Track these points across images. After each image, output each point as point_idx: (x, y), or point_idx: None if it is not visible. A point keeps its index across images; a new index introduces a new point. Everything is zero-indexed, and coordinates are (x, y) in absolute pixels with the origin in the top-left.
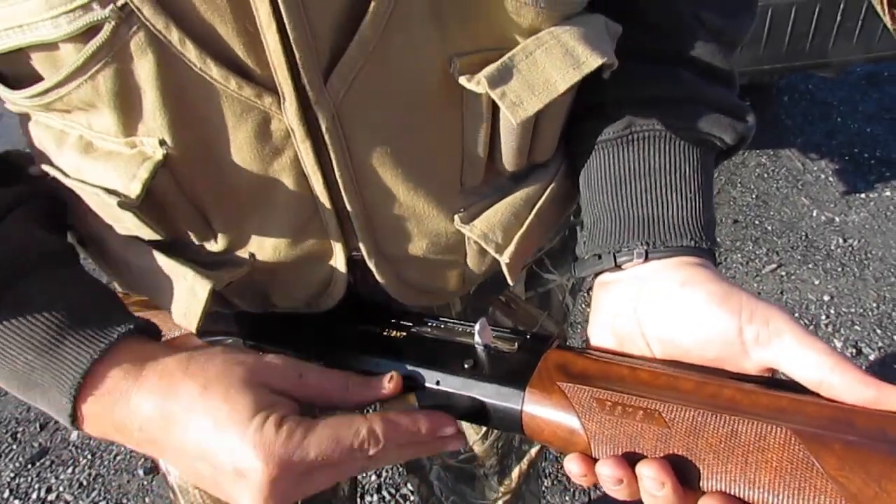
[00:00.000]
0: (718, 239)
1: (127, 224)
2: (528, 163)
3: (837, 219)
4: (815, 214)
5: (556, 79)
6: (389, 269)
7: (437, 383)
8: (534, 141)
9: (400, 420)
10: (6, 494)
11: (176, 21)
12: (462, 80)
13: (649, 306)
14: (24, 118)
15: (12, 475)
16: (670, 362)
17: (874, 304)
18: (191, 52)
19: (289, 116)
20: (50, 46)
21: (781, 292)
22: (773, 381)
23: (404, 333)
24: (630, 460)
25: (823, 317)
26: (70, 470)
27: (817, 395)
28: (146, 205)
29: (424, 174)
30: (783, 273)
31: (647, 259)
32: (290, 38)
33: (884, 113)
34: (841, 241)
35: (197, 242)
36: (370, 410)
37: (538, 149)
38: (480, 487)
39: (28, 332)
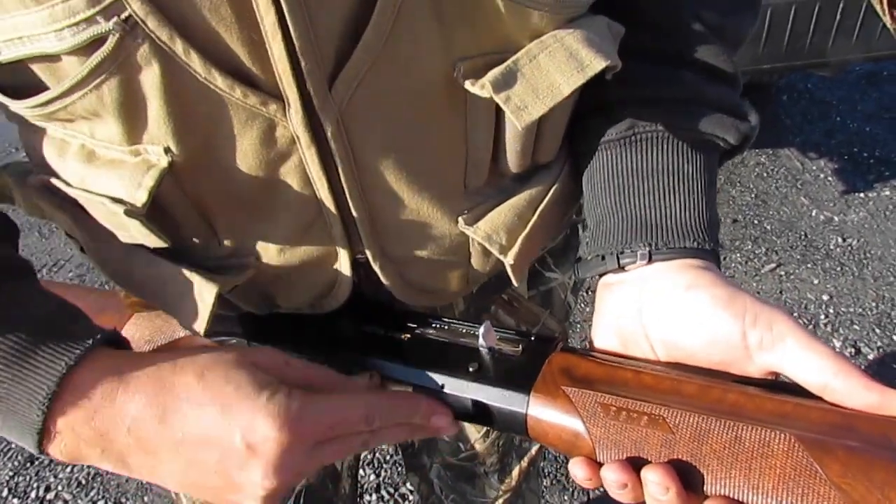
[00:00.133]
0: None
1: (132, 232)
2: (531, 164)
3: (836, 218)
4: (814, 214)
5: (560, 82)
6: (394, 270)
7: (442, 386)
8: (537, 142)
9: (400, 396)
10: (4, 493)
11: (180, 32)
12: (467, 85)
13: (653, 309)
14: (24, 128)
15: (11, 474)
16: (674, 365)
17: (873, 304)
18: (195, 63)
19: (294, 123)
20: (52, 58)
21: (780, 292)
22: (777, 385)
23: (408, 335)
24: (635, 465)
25: (822, 316)
26: (68, 469)
27: (821, 399)
28: (152, 212)
29: (429, 177)
30: (782, 272)
31: (650, 260)
32: (296, 46)
33: (883, 112)
34: (840, 240)
35: (202, 247)
36: None
37: (541, 150)
38: (481, 486)
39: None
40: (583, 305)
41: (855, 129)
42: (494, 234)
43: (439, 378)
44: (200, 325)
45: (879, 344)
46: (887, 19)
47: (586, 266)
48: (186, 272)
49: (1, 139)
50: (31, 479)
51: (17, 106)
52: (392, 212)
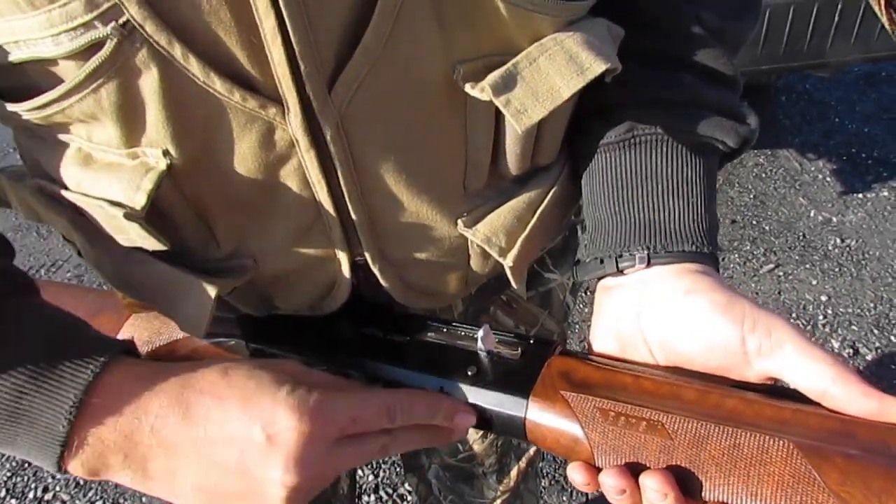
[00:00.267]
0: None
1: (132, 235)
2: (531, 166)
3: (835, 219)
4: (812, 214)
5: (560, 85)
6: (393, 272)
7: (441, 390)
8: (537, 145)
9: (422, 393)
10: (2, 494)
11: (179, 36)
12: (467, 88)
13: (652, 313)
14: (19, 132)
15: (9, 474)
16: (673, 369)
17: (871, 305)
18: (194, 67)
19: (293, 126)
20: (49, 62)
21: (779, 292)
22: (776, 390)
23: (407, 338)
24: (633, 471)
25: (821, 317)
26: None
27: (820, 405)
28: (150, 215)
29: (428, 180)
30: (781, 273)
31: (649, 264)
32: (295, 49)
33: (881, 113)
34: (838, 241)
35: (201, 250)
36: None
37: (541, 152)
38: (479, 486)
39: (18, 353)
40: (581, 306)
41: (853, 129)
42: (493, 237)
43: (438, 382)
44: (199, 327)
45: (878, 345)
46: (885, 19)
47: (585, 269)
48: (185, 274)
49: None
50: (28, 479)
51: (12, 108)
52: (391, 214)
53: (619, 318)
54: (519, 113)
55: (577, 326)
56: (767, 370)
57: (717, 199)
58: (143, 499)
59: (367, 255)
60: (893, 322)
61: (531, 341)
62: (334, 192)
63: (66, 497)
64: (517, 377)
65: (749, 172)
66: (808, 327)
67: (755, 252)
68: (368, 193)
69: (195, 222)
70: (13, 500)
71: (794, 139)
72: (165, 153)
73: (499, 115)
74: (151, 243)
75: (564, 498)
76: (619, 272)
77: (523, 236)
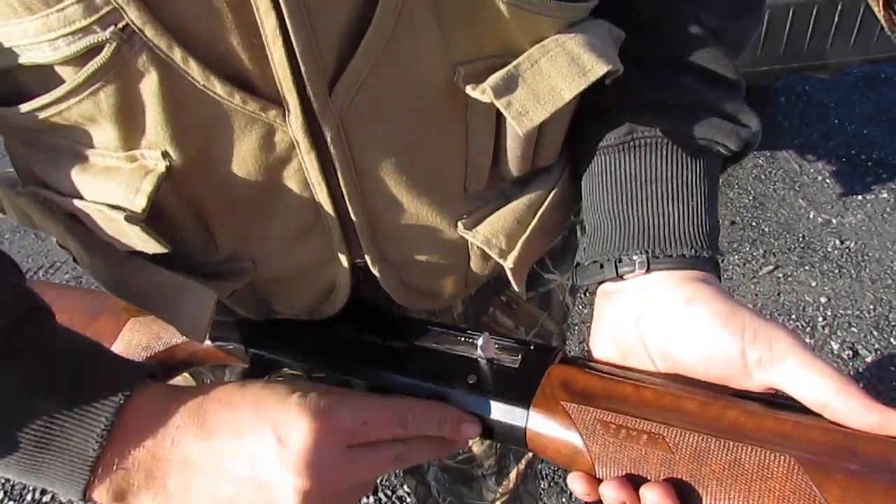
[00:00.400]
0: None
1: (132, 239)
2: (531, 168)
3: (834, 220)
4: (811, 216)
5: (562, 87)
6: (393, 274)
7: (442, 398)
8: (537, 147)
9: (430, 403)
10: (0, 496)
11: (178, 39)
12: (468, 90)
13: (652, 321)
14: (12, 139)
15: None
16: (673, 377)
17: (871, 306)
18: (194, 70)
19: (293, 128)
20: (45, 67)
21: (778, 294)
22: (777, 399)
23: (406, 344)
24: (634, 483)
25: (820, 318)
26: None
27: (821, 416)
28: (150, 218)
29: (429, 182)
30: (780, 275)
31: (648, 269)
32: (296, 51)
33: (881, 114)
34: (838, 242)
35: (199, 253)
36: None
37: (542, 154)
38: (478, 488)
39: (48, 380)
40: (580, 307)
41: (853, 131)
42: (494, 239)
43: (438, 390)
44: (200, 333)
45: (877, 346)
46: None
47: (584, 273)
48: (184, 279)
49: None
50: None
51: (7, 112)
52: (392, 216)
53: (619, 324)
54: (520, 115)
55: (577, 328)
56: (768, 382)
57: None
58: None
59: (367, 256)
60: (893, 324)
61: (531, 347)
62: (334, 193)
63: (64, 499)
64: (518, 386)
65: (748, 174)
66: (808, 329)
67: (754, 253)
68: (369, 195)
69: (194, 224)
70: (11, 503)
71: (793, 140)
72: (165, 155)
73: (499, 117)
74: (152, 246)
75: (563, 500)
76: (619, 277)
77: (524, 238)
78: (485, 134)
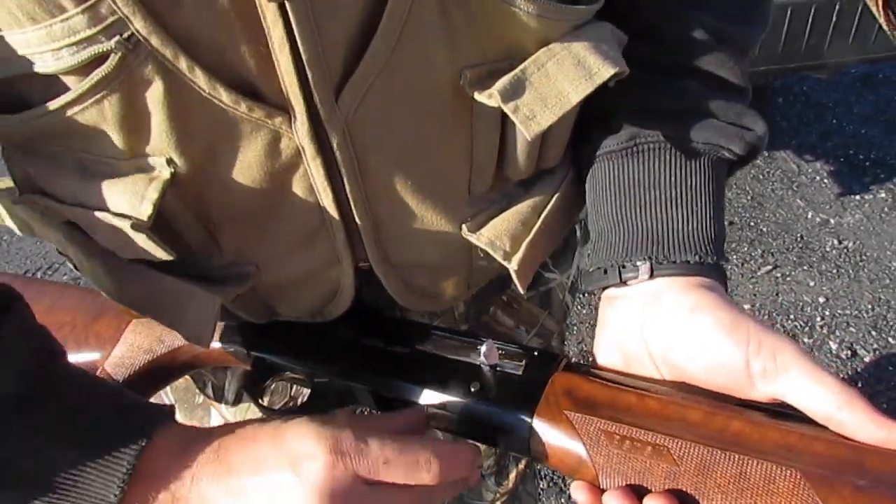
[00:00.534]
0: None
1: (136, 246)
2: (536, 170)
3: (832, 220)
4: (810, 216)
5: (569, 91)
6: (396, 276)
7: (444, 406)
8: (542, 149)
9: (462, 450)
10: None
11: (184, 49)
12: (476, 95)
13: (656, 328)
14: (10, 148)
15: None
16: (678, 385)
17: (869, 306)
18: (200, 79)
19: (299, 135)
20: (48, 76)
21: (777, 294)
22: (782, 410)
23: (409, 349)
24: (638, 494)
25: (819, 318)
26: None
27: (826, 428)
28: (154, 224)
29: (433, 185)
30: (778, 275)
31: (652, 276)
32: (303, 58)
33: (879, 114)
34: (836, 242)
35: (203, 258)
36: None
37: (546, 156)
38: (477, 488)
39: (70, 425)
40: (579, 307)
41: (851, 131)
42: (498, 241)
43: (440, 397)
44: (204, 338)
45: (875, 346)
46: (883, 21)
47: (589, 279)
48: (187, 284)
49: None
50: None
51: (10, 121)
52: (396, 220)
53: (623, 330)
54: (528, 119)
55: (575, 328)
56: (773, 393)
57: None
58: None
59: (370, 259)
60: (891, 323)
61: (535, 353)
62: (339, 198)
63: None
64: (521, 394)
65: (746, 174)
66: (806, 329)
67: (753, 254)
68: (374, 199)
69: (199, 230)
70: None
71: (791, 141)
72: (169, 162)
73: (504, 120)
74: (157, 254)
75: (563, 500)
76: (623, 283)
77: (528, 240)
78: (489, 137)
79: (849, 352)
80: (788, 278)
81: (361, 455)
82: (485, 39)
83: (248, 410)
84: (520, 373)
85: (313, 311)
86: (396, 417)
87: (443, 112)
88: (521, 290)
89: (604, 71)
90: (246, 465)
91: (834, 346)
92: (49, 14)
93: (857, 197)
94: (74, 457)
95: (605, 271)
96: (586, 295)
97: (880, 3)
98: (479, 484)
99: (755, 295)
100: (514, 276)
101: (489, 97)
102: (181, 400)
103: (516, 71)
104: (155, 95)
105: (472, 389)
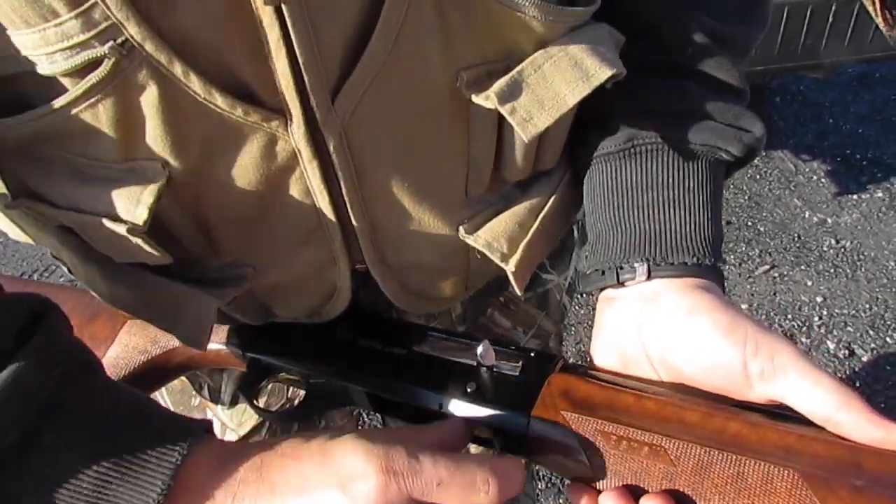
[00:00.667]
0: None
1: (133, 251)
2: (533, 171)
3: (830, 220)
4: (807, 216)
5: (566, 92)
6: (393, 278)
7: (440, 406)
8: (539, 150)
9: (508, 463)
10: None
11: (179, 54)
12: (473, 97)
13: (653, 329)
14: (3, 150)
15: None
16: (676, 387)
17: (867, 306)
18: (195, 84)
19: (296, 138)
20: (42, 79)
21: (774, 294)
22: (780, 411)
23: (405, 350)
24: (635, 494)
25: (816, 318)
26: None
27: (824, 429)
28: (151, 228)
29: (430, 187)
30: (776, 274)
31: (649, 277)
32: (300, 61)
33: (875, 114)
34: (833, 242)
35: (199, 261)
36: (366, 417)
37: (543, 157)
38: None
39: (99, 440)
40: (576, 307)
41: (847, 130)
42: (495, 243)
43: (437, 398)
44: (200, 342)
45: (873, 346)
46: (879, 21)
47: (586, 280)
48: (184, 287)
49: None
50: None
51: (4, 124)
52: (393, 222)
53: (621, 331)
54: (525, 121)
55: (573, 328)
56: (770, 394)
57: None
58: None
59: (367, 261)
60: (889, 323)
61: (532, 355)
62: (336, 200)
63: None
64: (518, 395)
65: (744, 174)
66: (804, 328)
67: (750, 254)
68: (370, 202)
69: (195, 233)
70: None
71: (788, 140)
72: (165, 165)
73: (501, 122)
74: (154, 258)
75: (561, 501)
76: (620, 284)
77: (525, 242)
78: (486, 139)
79: (846, 351)
80: (786, 278)
81: (415, 475)
82: (481, 41)
83: (245, 412)
84: (516, 374)
85: (310, 312)
86: (434, 430)
87: (439, 114)
88: (519, 292)
89: (601, 73)
90: (291, 484)
91: (832, 346)
92: (42, 18)
93: (855, 196)
94: (105, 471)
95: (603, 273)
96: (584, 295)
97: (877, 2)
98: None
99: (753, 295)
100: (511, 277)
101: (486, 99)
102: (177, 402)
103: (513, 73)
104: (149, 100)
105: (469, 390)
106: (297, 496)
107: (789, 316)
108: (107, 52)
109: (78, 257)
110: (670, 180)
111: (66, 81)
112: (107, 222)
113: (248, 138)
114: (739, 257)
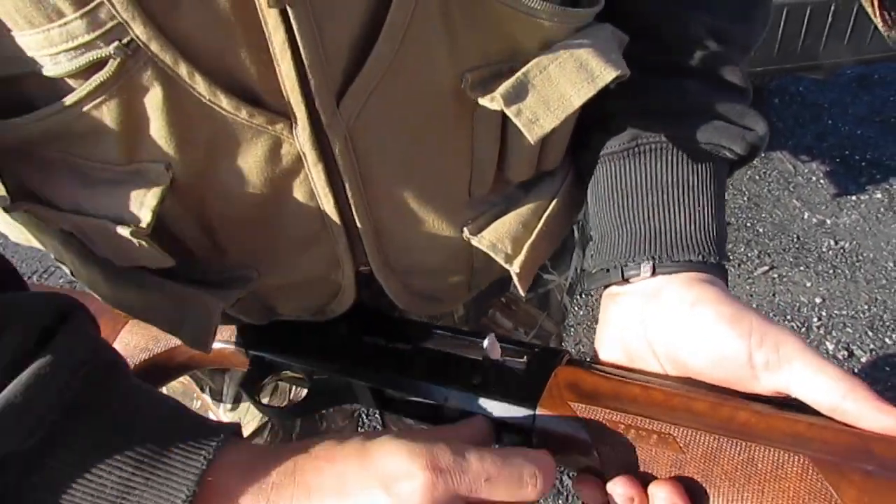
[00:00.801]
0: None
1: (136, 253)
2: (536, 172)
3: (829, 221)
4: (806, 217)
5: (571, 94)
6: (397, 280)
7: (446, 399)
8: (542, 151)
9: (548, 457)
10: None
11: (184, 54)
12: (479, 99)
13: (658, 324)
14: (4, 153)
15: None
16: (682, 380)
17: (865, 306)
18: (200, 86)
19: (300, 141)
20: (46, 80)
21: (773, 294)
22: (787, 403)
23: (409, 346)
24: (643, 481)
25: (815, 319)
26: None
27: (831, 419)
28: (154, 231)
29: (434, 188)
30: (775, 275)
31: (654, 273)
32: (305, 63)
33: (874, 115)
34: (832, 243)
35: (203, 263)
36: (365, 419)
37: (547, 158)
38: None
39: (122, 443)
40: (576, 309)
41: (846, 132)
42: (499, 243)
43: (442, 391)
44: (205, 343)
45: (872, 346)
46: (878, 22)
47: (591, 279)
48: (187, 289)
49: None
50: None
51: (6, 125)
52: (397, 223)
53: (625, 326)
54: (531, 123)
55: (572, 329)
56: (776, 385)
57: None
58: None
59: (371, 263)
60: (887, 324)
61: (537, 349)
62: (340, 203)
63: None
64: (524, 387)
65: (743, 175)
66: (803, 329)
67: (749, 254)
68: (375, 204)
69: (199, 235)
70: None
71: (787, 141)
72: (168, 167)
73: (505, 123)
74: (157, 261)
75: (560, 502)
76: (625, 281)
77: (529, 242)
78: (490, 139)
79: (845, 352)
80: (785, 279)
81: (462, 472)
82: (486, 42)
83: (248, 413)
84: (522, 367)
85: (314, 311)
86: (464, 427)
87: (444, 116)
88: (522, 293)
89: (606, 74)
90: (328, 487)
91: (831, 347)
92: (47, 19)
93: (854, 197)
94: (129, 475)
95: (608, 271)
96: (583, 297)
97: (876, 3)
98: None
99: (752, 296)
100: (515, 278)
101: (492, 100)
102: None
103: (518, 74)
104: (154, 101)
105: (475, 383)
106: (336, 499)
107: (788, 317)
108: (112, 52)
109: (80, 260)
110: (675, 179)
111: (70, 82)
112: (110, 225)
113: (252, 141)
114: (739, 258)
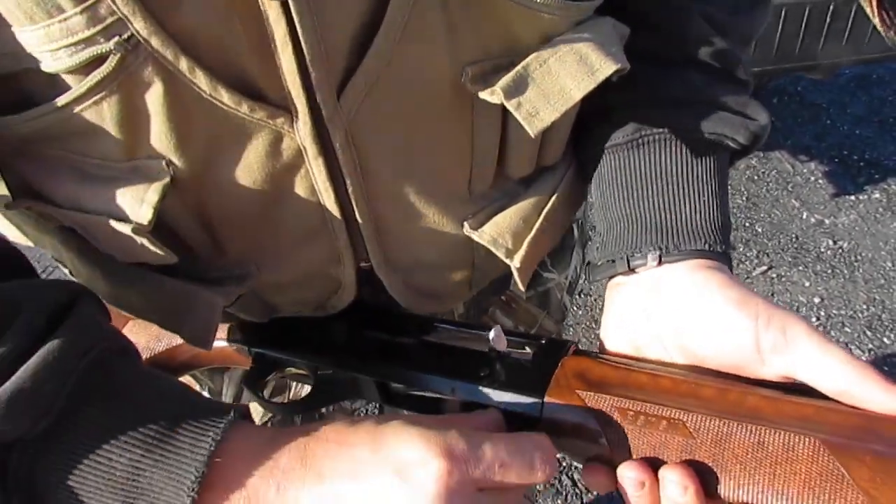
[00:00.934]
0: None
1: (137, 250)
2: (536, 166)
3: (827, 221)
4: (804, 216)
5: (571, 87)
6: (398, 277)
7: (453, 391)
8: (543, 145)
9: (548, 442)
10: None
11: (185, 49)
12: (479, 93)
13: (664, 309)
14: (4, 150)
15: None
16: (689, 368)
17: (864, 306)
18: (201, 80)
19: (301, 135)
20: (46, 76)
21: (772, 294)
22: (794, 388)
23: (414, 340)
24: (653, 466)
25: (814, 319)
26: None
27: (839, 402)
28: (155, 227)
29: (435, 183)
30: (774, 275)
31: (660, 263)
32: (306, 57)
33: (873, 115)
34: (831, 242)
35: (203, 259)
36: (365, 412)
37: (547, 153)
38: None
39: (131, 426)
40: (575, 308)
41: (845, 131)
42: (500, 238)
43: (448, 383)
44: (206, 340)
45: (871, 346)
46: (877, 21)
47: (597, 270)
48: (188, 287)
49: None
50: None
51: (6, 122)
52: (398, 219)
53: (631, 316)
54: (531, 116)
55: (571, 329)
56: (783, 368)
57: None
58: None
59: (372, 260)
60: (886, 324)
61: (543, 341)
62: (341, 198)
63: None
64: (531, 378)
65: (741, 175)
66: None
67: (748, 254)
68: (375, 198)
69: (200, 232)
70: None
71: (786, 141)
72: (169, 163)
73: (505, 117)
74: (158, 258)
75: (560, 501)
76: (631, 271)
77: (530, 237)
78: (490, 134)
79: None
80: (783, 279)
81: (477, 459)
82: (486, 36)
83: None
84: (529, 358)
85: (315, 306)
86: (475, 417)
87: (444, 110)
88: (522, 288)
89: (606, 68)
90: (340, 471)
91: None
92: (47, 14)
93: (852, 197)
94: (137, 458)
95: (614, 261)
96: (582, 297)
97: (874, 3)
98: None
99: None
100: (515, 273)
101: (492, 94)
102: None
103: (518, 68)
104: (155, 97)
105: (482, 375)
106: (349, 484)
107: None
108: (112, 47)
109: (80, 259)
110: (679, 169)
111: (70, 79)
112: (111, 222)
113: (253, 135)
114: (737, 258)
